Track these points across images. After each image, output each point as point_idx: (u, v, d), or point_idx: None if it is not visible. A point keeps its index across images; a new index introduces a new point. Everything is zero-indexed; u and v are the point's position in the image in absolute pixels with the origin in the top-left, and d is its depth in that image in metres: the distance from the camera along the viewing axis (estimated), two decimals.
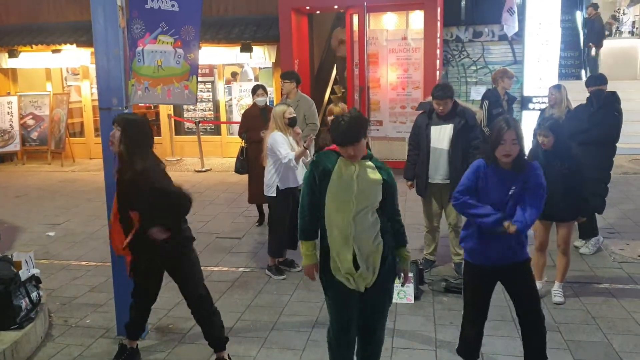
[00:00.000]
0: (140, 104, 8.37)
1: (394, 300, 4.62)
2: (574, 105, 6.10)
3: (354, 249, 3.07)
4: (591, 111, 5.55)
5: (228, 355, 3.82)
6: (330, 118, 9.36)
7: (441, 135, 5.01)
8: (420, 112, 5.29)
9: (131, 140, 3.47)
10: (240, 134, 6.95)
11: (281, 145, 5.03)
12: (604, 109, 5.50)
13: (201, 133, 11.34)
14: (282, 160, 5.04)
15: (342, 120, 3.02)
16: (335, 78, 12.60)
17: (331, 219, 3.11)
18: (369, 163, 3.14)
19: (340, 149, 3.09)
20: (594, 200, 5.46)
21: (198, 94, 11.87)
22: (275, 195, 5.26)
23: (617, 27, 13.21)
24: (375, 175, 3.11)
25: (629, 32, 13.14)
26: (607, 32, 12.69)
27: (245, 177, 6.93)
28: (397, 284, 4.70)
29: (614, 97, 5.57)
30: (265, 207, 7.27)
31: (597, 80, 5.65)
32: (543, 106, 7.87)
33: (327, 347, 3.34)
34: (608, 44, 12.27)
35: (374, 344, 3.36)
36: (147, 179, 3.39)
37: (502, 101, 6.66)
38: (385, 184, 3.12)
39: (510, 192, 3.28)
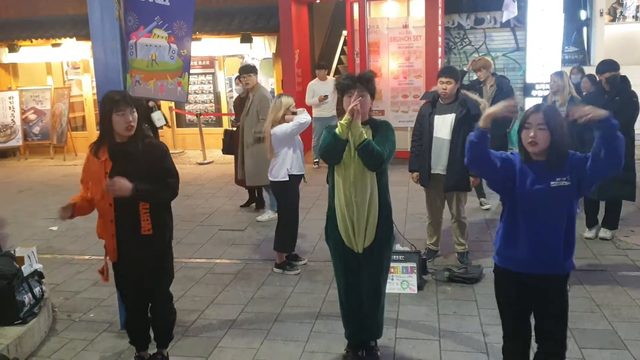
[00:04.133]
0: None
1: (397, 291, 4.68)
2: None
3: (354, 209, 3.39)
4: (606, 99, 5.26)
5: (167, 353, 3.76)
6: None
7: (444, 125, 4.95)
8: (425, 101, 5.24)
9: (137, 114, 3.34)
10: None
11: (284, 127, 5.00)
12: (620, 95, 5.30)
13: (202, 125, 11.33)
14: (301, 121, 4.97)
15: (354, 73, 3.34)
16: (337, 67, 12.54)
17: (338, 180, 3.45)
18: (365, 129, 3.36)
19: (344, 100, 3.36)
20: (623, 188, 5.39)
21: (199, 86, 11.95)
22: (287, 179, 5.06)
23: (621, 12, 13.05)
24: (367, 135, 3.35)
25: (633, 16, 12.97)
26: (610, 17, 12.53)
27: None
28: (400, 274, 4.75)
29: (627, 82, 5.40)
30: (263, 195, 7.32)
31: (610, 66, 5.33)
32: (546, 93, 7.80)
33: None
34: (612, 29, 12.13)
35: (372, 306, 3.59)
36: (162, 148, 3.41)
37: (481, 85, 6.63)
38: (374, 139, 3.38)
39: (552, 185, 2.70)
